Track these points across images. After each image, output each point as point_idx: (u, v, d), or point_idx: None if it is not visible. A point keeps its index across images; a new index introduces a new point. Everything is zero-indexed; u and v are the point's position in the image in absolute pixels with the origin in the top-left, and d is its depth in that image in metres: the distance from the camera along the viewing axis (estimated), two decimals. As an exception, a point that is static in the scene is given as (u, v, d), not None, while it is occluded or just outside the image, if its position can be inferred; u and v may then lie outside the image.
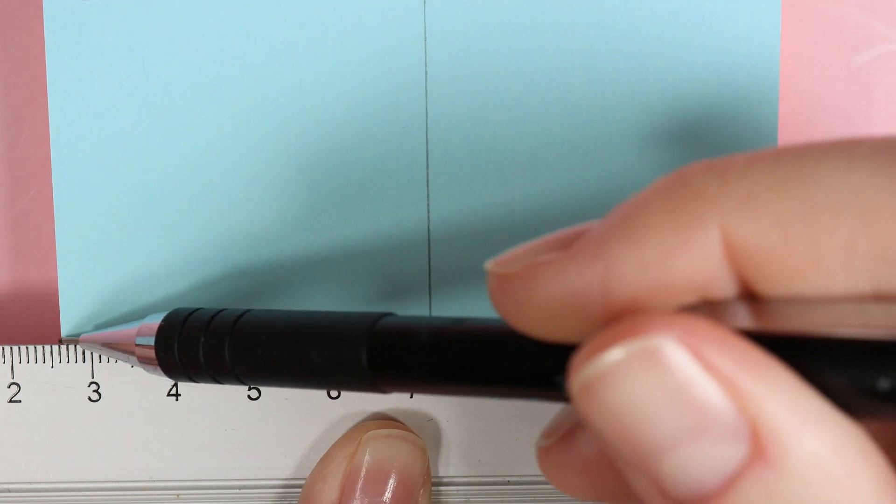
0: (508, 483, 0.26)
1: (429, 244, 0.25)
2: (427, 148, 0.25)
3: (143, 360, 0.23)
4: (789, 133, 0.26)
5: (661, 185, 0.15)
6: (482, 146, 0.25)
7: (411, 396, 0.26)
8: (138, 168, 0.25)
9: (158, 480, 0.26)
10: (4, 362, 0.25)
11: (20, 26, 0.26)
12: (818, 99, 0.26)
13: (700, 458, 0.14)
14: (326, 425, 0.26)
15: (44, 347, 0.25)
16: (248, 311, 0.22)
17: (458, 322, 0.18)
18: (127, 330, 0.24)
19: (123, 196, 0.25)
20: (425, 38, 0.25)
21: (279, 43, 0.25)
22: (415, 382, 0.19)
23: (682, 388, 0.14)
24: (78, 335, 0.25)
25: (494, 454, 0.26)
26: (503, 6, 0.25)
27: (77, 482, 0.26)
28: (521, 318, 0.16)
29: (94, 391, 0.26)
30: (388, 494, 0.24)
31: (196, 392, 0.25)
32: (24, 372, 0.25)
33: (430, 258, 0.25)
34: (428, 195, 0.25)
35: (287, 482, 0.26)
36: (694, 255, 0.14)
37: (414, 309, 0.25)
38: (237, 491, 0.26)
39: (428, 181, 0.25)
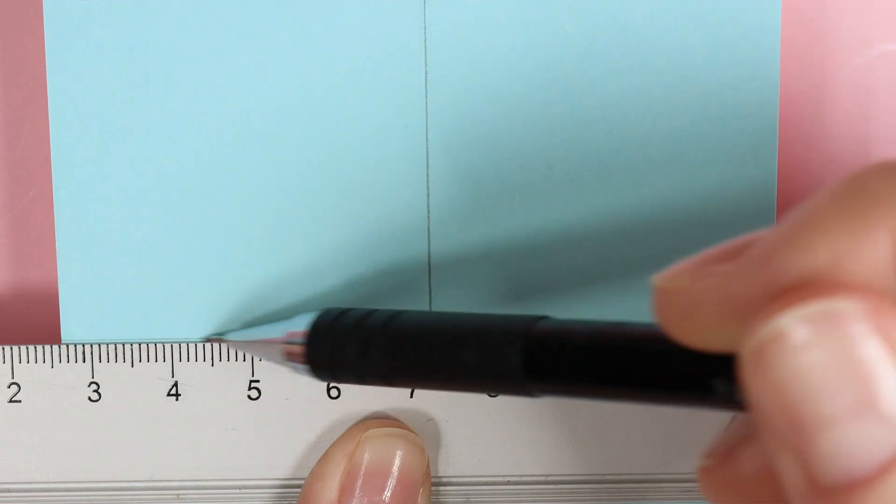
0: (508, 483, 0.26)
1: (429, 245, 0.25)
2: (427, 148, 0.25)
3: (292, 359, 0.24)
4: (789, 133, 0.26)
5: (836, 188, 0.14)
6: (482, 146, 0.25)
7: (411, 396, 0.26)
8: (138, 168, 0.25)
9: (158, 480, 0.26)
10: (4, 362, 0.25)
11: (20, 26, 0.27)
12: (818, 99, 0.26)
13: (857, 440, 0.13)
14: (326, 425, 0.26)
15: (44, 347, 0.25)
16: (403, 311, 0.22)
17: (618, 326, 0.18)
18: (276, 330, 0.24)
19: (123, 196, 0.25)
20: (425, 38, 0.25)
21: (279, 43, 0.25)
22: (568, 387, 0.19)
23: (857, 360, 0.13)
24: (223, 334, 0.25)
25: (494, 454, 0.26)
26: (503, 6, 0.25)
27: (77, 482, 0.26)
28: (686, 332, 0.16)
29: (94, 391, 0.26)
30: (387, 493, 0.24)
31: (196, 392, 0.25)
32: (24, 372, 0.25)
33: (430, 258, 0.25)
34: (428, 195, 0.25)
35: (287, 482, 0.26)
36: (865, 262, 0.14)
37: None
38: (237, 491, 0.26)
39: (428, 181, 0.25)
